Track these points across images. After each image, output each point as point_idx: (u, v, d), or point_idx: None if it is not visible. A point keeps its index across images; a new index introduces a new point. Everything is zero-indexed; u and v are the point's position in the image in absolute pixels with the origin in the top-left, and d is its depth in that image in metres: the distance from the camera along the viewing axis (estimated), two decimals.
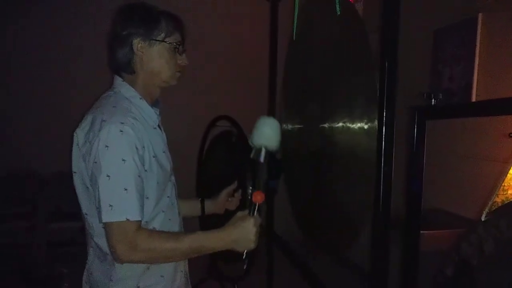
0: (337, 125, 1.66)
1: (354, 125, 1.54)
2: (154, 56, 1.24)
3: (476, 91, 2.42)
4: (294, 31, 1.83)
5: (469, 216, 1.96)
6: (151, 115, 1.26)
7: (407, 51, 3.01)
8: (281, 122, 2.26)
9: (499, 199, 1.44)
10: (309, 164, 1.94)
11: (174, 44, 1.26)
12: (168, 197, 1.27)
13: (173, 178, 1.33)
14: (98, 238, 1.18)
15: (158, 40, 1.23)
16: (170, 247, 1.12)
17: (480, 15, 2.41)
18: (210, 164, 2.95)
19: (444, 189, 2.56)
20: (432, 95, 1.12)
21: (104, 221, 1.06)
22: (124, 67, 1.23)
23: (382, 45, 1.26)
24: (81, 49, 4.00)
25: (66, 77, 4.02)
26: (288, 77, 2.21)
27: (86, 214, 1.19)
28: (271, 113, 2.33)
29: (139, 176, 1.11)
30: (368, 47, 1.44)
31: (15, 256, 3.63)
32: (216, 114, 2.74)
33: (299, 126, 2.06)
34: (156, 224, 1.22)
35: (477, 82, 2.41)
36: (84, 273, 1.27)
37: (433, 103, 1.13)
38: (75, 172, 1.18)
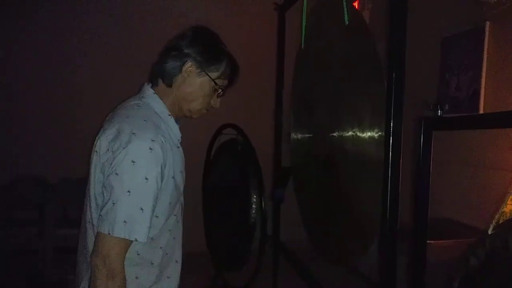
0: (346, 134, 1.66)
1: (364, 134, 1.54)
2: (196, 85, 1.24)
3: (484, 99, 2.41)
4: (303, 39, 1.84)
5: (477, 225, 1.95)
6: (176, 133, 1.26)
7: (415, 60, 3.01)
8: (289, 131, 2.27)
9: (507, 209, 1.43)
10: (318, 173, 1.94)
11: (220, 86, 1.27)
12: (175, 215, 1.27)
13: (182, 198, 1.33)
14: None
15: (209, 76, 1.24)
16: None
17: (487, 24, 2.41)
18: (216, 171, 2.96)
19: (453, 198, 2.54)
20: (439, 106, 1.11)
21: (115, 235, 1.05)
22: (165, 76, 1.23)
23: (389, 54, 1.26)
24: (91, 58, 4.04)
25: (75, 84, 4.06)
26: (296, 86, 2.21)
27: (92, 224, 1.17)
28: (278, 121, 2.33)
29: (156, 197, 1.11)
30: (377, 56, 1.44)
31: (23, 261, 3.65)
32: (222, 122, 2.75)
33: (309, 135, 2.06)
34: (162, 243, 1.22)
35: (484, 91, 2.41)
36: (84, 281, 1.22)
37: (439, 114, 1.12)
38: (90, 179, 1.16)
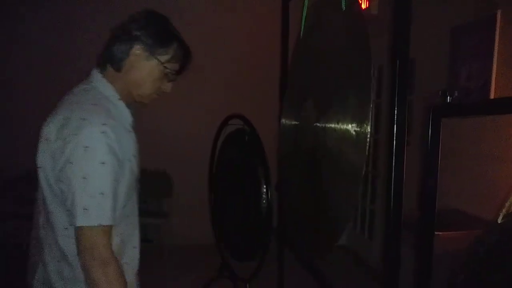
0: (329, 126, 1.62)
1: (344, 126, 1.50)
2: (144, 70, 1.21)
3: (495, 90, 2.36)
4: (302, 28, 1.82)
5: (486, 216, 1.91)
6: (127, 117, 1.23)
7: (424, 50, 2.97)
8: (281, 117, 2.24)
9: None
10: (301, 162, 1.91)
11: (170, 70, 1.24)
12: (132, 201, 1.26)
13: (137, 184, 1.31)
14: (59, 238, 1.15)
15: (158, 60, 1.21)
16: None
17: (499, 12, 2.35)
18: (222, 162, 2.94)
19: (462, 189, 2.51)
20: (447, 92, 1.08)
21: (78, 224, 1.05)
22: (113, 61, 1.20)
23: (393, 41, 1.23)
24: (91, 57, 4.03)
25: (74, 79, 4.05)
26: (292, 74, 2.19)
27: (51, 212, 1.14)
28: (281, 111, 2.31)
29: (115, 180, 1.09)
30: (368, 49, 1.38)
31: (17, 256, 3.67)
32: (228, 113, 2.73)
33: (295, 122, 2.04)
34: (119, 230, 1.20)
35: (495, 80, 2.36)
36: (39, 269, 1.20)
37: (448, 101, 1.09)
38: (39, 167, 1.14)
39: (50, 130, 1.11)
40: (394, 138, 1.24)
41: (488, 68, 2.43)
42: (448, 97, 1.09)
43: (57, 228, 1.14)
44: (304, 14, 1.82)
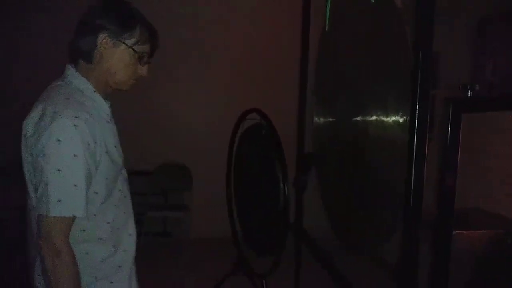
0: (370, 119, 1.60)
1: (388, 119, 1.48)
2: (115, 57, 1.21)
3: None
4: (327, 21, 1.78)
5: (508, 215, 1.85)
6: (104, 108, 1.24)
7: (449, 43, 2.88)
8: (312, 115, 2.22)
9: None
10: (341, 158, 1.89)
11: (140, 53, 1.23)
12: (119, 190, 1.26)
13: (124, 171, 1.31)
14: None
15: (125, 44, 1.21)
16: (65, 285, 1.10)
17: None
18: (240, 157, 2.94)
19: (486, 187, 2.44)
20: (469, 86, 1.04)
21: (52, 215, 1.07)
22: (83, 55, 1.21)
23: (416, 32, 1.19)
24: None
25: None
26: (320, 70, 2.15)
27: (34, 207, 1.16)
28: (301, 106, 2.28)
29: (89, 172, 1.11)
30: (405, 37, 1.36)
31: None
32: (247, 107, 2.72)
33: (332, 119, 2.01)
34: (109, 218, 1.22)
35: None
36: (37, 263, 1.22)
37: (469, 95, 1.05)
38: (24, 164, 1.17)
39: (28, 126, 1.14)
40: (415, 133, 1.21)
41: None
42: (469, 91, 1.05)
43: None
44: (329, 6, 1.78)
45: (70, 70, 1.23)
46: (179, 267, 3.75)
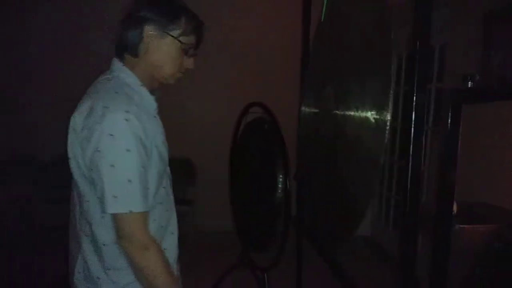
0: (348, 113, 1.58)
1: (364, 114, 1.46)
2: (161, 49, 1.20)
3: None
4: (324, 12, 1.76)
5: None
6: (151, 103, 1.22)
7: (455, 36, 2.83)
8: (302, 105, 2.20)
9: None
10: (321, 150, 1.87)
11: (186, 45, 1.22)
12: (164, 187, 1.25)
13: (168, 169, 1.30)
14: (96, 227, 1.16)
15: (171, 35, 1.19)
16: (163, 276, 1.11)
17: None
18: (243, 151, 2.93)
19: (492, 181, 2.40)
20: (469, 76, 1.01)
21: (108, 212, 1.06)
22: (129, 48, 1.19)
23: (414, 20, 1.16)
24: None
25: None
26: (312, 60, 2.13)
27: (87, 201, 1.15)
28: (303, 100, 2.26)
29: (142, 167, 1.09)
30: (389, 35, 1.33)
31: (60, 236, 3.79)
32: (250, 101, 2.71)
33: (315, 110, 1.99)
34: (155, 215, 1.21)
35: None
36: (78, 261, 1.22)
37: (470, 86, 1.02)
38: (70, 158, 1.15)
39: (76, 120, 1.12)
40: (413, 125, 1.18)
41: None
42: (470, 82, 1.02)
43: (93, 217, 1.16)
44: None
45: (117, 64, 1.22)
46: (183, 260, 3.73)
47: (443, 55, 3.09)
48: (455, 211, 1.99)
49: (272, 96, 3.00)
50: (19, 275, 3.03)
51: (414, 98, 1.12)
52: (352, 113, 1.53)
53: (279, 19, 4.30)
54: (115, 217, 1.08)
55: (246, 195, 2.87)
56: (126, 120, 1.05)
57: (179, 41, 1.20)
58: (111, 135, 1.04)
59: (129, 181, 1.05)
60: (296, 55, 2.34)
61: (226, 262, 2.98)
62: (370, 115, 1.38)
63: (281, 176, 2.39)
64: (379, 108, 1.30)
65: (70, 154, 1.15)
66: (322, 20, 1.81)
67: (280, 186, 2.40)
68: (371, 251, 4.19)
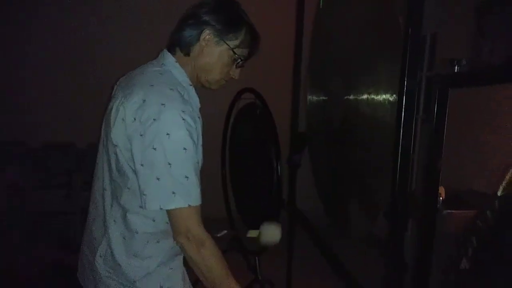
0: (361, 97, 1.59)
1: (379, 97, 1.47)
2: (214, 55, 1.21)
3: None
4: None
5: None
6: (197, 103, 1.24)
7: (447, 25, 2.84)
8: (306, 94, 2.21)
9: None
10: (333, 136, 1.89)
11: (239, 56, 1.23)
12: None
13: None
14: (132, 214, 1.18)
15: (227, 44, 1.20)
16: (218, 270, 1.15)
17: None
18: (235, 136, 2.94)
19: (479, 168, 2.43)
20: (456, 61, 1.03)
21: (167, 208, 1.08)
22: (182, 45, 1.21)
23: (407, 8, 1.18)
24: (119, 28, 4.05)
25: (103, 54, 4.10)
26: (314, 47, 2.13)
27: (128, 188, 1.16)
28: (295, 85, 2.26)
29: (196, 163, 1.12)
30: (396, 17, 1.34)
31: (53, 223, 3.81)
32: (241, 86, 2.70)
33: (324, 98, 2.00)
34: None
35: None
36: (101, 245, 1.23)
37: (456, 70, 1.04)
38: (116, 145, 1.14)
39: (127, 111, 1.11)
40: (403, 110, 1.20)
41: None
42: (456, 67, 1.03)
43: (132, 205, 1.17)
44: None
45: (169, 59, 1.22)
46: None
47: (435, 43, 3.10)
48: (443, 197, 2.03)
49: (265, 81, 3.00)
50: (11, 261, 3.05)
51: (405, 84, 1.14)
52: (365, 97, 1.55)
53: (272, 5, 4.27)
54: (172, 214, 1.10)
55: (239, 180, 2.89)
56: (183, 119, 1.07)
57: (234, 52, 1.22)
58: (168, 134, 1.05)
59: (186, 177, 1.08)
60: (289, 39, 2.34)
61: (217, 246, 3.01)
62: (384, 99, 1.40)
63: (272, 161, 2.40)
64: (394, 91, 1.31)
65: (115, 141, 1.14)
66: (320, 6, 1.80)
67: (272, 170, 2.41)
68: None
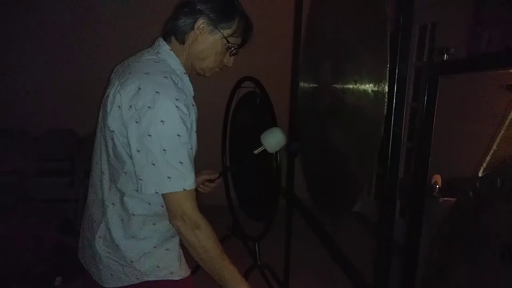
0: (347, 86, 1.61)
1: (362, 86, 1.49)
2: (208, 43, 1.24)
3: None
4: None
5: None
6: (191, 91, 1.27)
7: (445, 14, 2.84)
8: (299, 80, 2.22)
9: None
10: (320, 124, 1.91)
11: (232, 45, 1.26)
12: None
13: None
14: (128, 197, 1.21)
15: (221, 33, 1.23)
16: (214, 251, 1.18)
17: None
18: (235, 124, 2.97)
19: (472, 156, 2.46)
20: (445, 49, 1.06)
21: (163, 192, 1.11)
22: (177, 33, 1.24)
23: None
24: (121, 18, 4.04)
25: (104, 43, 4.11)
26: (308, 36, 2.15)
27: (124, 173, 1.19)
28: (294, 74, 2.28)
29: (190, 150, 1.15)
30: (383, 9, 1.35)
31: (55, 209, 3.87)
32: (241, 75, 2.73)
33: (314, 85, 2.02)
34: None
35: None
36: (100, 227, 1.26)
37: (445, 58, 1.07)
38: (112, 131, 1.16)
39: (122, 98, 1.13)
40: (394, 96, 1.22)
41: (510, 32, 2.33)
42: (445, 55, 1.06)
43: (129, 188, 1.20)
44: None
45: (165, 47, 1.25)
46: None
47: (433, 33, 3.11)
48: (439, 185, 2.06)
49: (264, 70, 3.02)
50: (9, 245, 3.10)
51: (397, 70, 1.15)
52: (350, 86, 1.57)
53: None
54: (168, 198, 1.13)
55: (240, 169, 2.93)
56: (177, 107, 1.09)
57: (227, 40, 1.24)
58: (162, 121, 1.08)
59: (181, 162, 1.11)
60: (288, 28, 2.35)
61: (218, 234, 3.05)
62: (369, 87, 1.42)
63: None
64: (377, 80, 1.32)
65: (112, 128, 1.16)
66: None
67: (271, 158, 2.45)
68: (361, 226, 4.30)
